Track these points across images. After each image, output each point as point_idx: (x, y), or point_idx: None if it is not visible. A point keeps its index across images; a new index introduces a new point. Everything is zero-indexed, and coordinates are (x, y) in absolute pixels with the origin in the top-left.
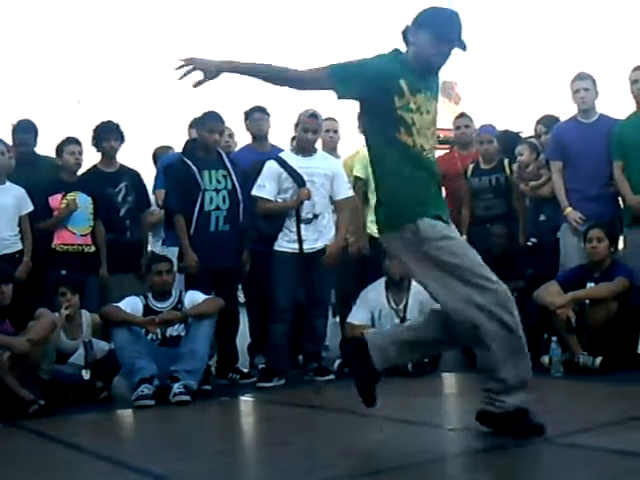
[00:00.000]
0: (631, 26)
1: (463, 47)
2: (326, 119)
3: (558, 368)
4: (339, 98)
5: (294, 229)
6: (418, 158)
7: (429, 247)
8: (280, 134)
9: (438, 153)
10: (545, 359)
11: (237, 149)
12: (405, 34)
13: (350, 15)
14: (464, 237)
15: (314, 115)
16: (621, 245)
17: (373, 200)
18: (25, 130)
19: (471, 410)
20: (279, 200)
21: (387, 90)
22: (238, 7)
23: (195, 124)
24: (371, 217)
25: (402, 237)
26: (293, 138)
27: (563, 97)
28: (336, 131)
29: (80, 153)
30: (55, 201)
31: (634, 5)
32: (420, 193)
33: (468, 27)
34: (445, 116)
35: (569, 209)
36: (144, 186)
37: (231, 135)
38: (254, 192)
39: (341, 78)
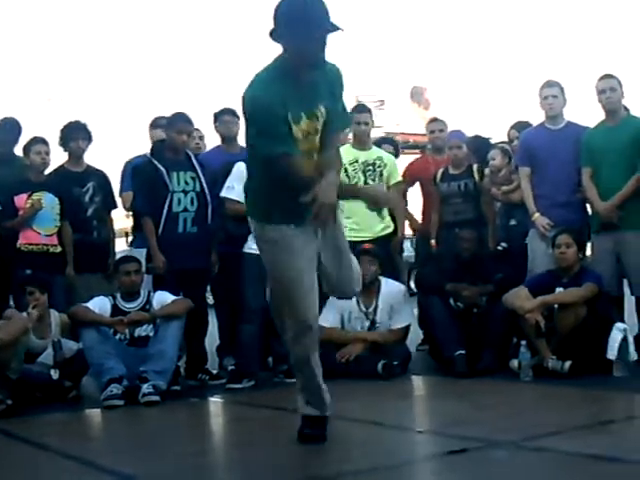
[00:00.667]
0: (599, 34)
1: (335, 28)
2: None
3: (527, 372)
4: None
5: None
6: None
7: (258, 243)
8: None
9: (410, 158)
10: (514, 363)
11: (206, 150)
12: (274, 37)
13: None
14: (433, 241)
15: None
16: (589, 251)
17: (341, 203)
18: (6, 130)
19: (440, 412)
20: None
21: (285, 120)
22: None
23: (157, 124)
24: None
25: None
26: None
27: (533, 103)
28: None
29: (47, 153)
30: (21, 200)
31: (603, 13)
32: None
33: (441, 34)
34: (415, 121)
35: (537, 215)
36: (111, 187)
37: (201, 137)
38: (223, 193)
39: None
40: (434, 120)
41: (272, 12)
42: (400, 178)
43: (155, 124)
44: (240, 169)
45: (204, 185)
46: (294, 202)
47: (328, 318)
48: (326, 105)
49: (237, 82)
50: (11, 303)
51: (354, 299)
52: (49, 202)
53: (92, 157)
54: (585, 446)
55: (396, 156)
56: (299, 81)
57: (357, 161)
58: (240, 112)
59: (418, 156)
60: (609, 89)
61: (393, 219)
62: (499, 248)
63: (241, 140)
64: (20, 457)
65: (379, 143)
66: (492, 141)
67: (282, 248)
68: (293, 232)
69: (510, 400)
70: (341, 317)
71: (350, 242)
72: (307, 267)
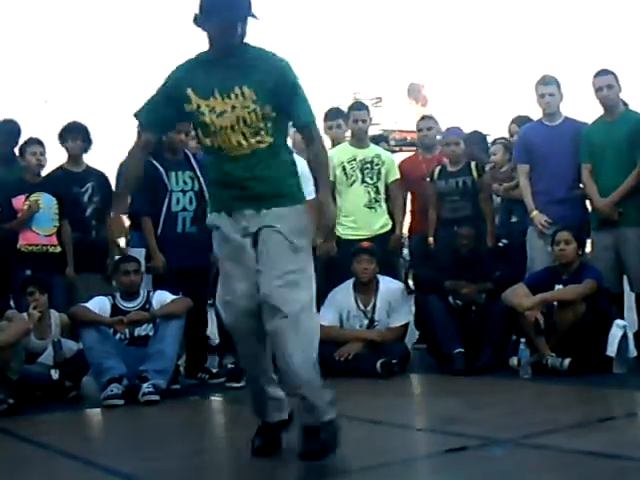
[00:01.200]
0: (595, 26)
1: (249, 15)
2: None
3: (527, 370)
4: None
5: None
6: (213, 157)
7: None
8: None
9: (403, 155)
10: (514, 361)
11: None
12: (198, 25)
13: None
14: (430, 239)
15: None
16: (589, 248)
17: (340, 202)
18: (5, 131)
19: (439, 410)
20: None
21: (179, 101)
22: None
23: None
24: (337, 218)
25: None
26: None
27: (532, 97)
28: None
29: (42, 154)
30: (18, 202)
31: (599, 9)
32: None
33: (439, 31)
34: (413, 118)
35: (535, 212)
36: (110, 187)
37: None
38: None
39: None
40: (423, 118)
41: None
42: (398, 175)
43: None
44: None
45: (203, 184)
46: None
47: (327, 317)
48: (251, 88)
49: None
50: (11, 304)
51: (352, 297)
52: (47, 203)
53: (91, 158)
54: (584, 443)
55: (391, 153)
56: (217, 64)
57: (355, 159)
58: None
59: (410, 154)
60: (606, 86)
61: (391, 217)
62: (500, 245)
63: None
64: (21, 456)
65: (376, 141)
66: (490, 138)
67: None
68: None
69: (509, 398)
70: (339, 316)
71: (348, 240)
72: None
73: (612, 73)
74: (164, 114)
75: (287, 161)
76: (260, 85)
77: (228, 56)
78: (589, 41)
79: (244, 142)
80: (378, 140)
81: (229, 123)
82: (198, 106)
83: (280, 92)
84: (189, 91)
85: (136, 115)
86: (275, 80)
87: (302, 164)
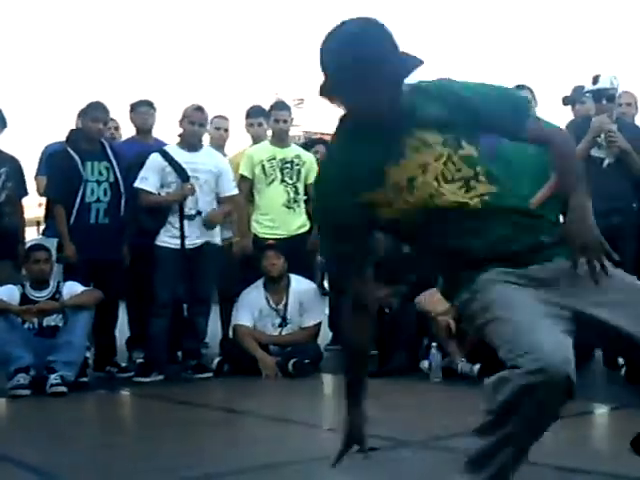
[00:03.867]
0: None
1: (413, 63)
2: (217, 117)
3: (437, 374)
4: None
5: (177, 225)
6: None
7: None
8: (164, 130)
9: None
10: (425, 364)
11: (121, 141)
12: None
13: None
14: None
15: (200, 108)
16: None
17: (258, 200)
18: None
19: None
20: (162, 194)
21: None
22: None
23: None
24: (255, 217)
25: None
26: (179, 135)
27: None
28: (226, 130)
29: None
30: None
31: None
32: None
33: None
34: (333, 121)
35: None
36: (23, 174)
37: (117, 127)
38: (137, 184)
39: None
40: None
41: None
42: None
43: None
44: (155, 160)
45: (118, 176)
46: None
47: (242, 317)
48: (430, 126)
49: (153, 73)
50: None
51: (263, 296)
52: None
53: (7, 143)
54: None
55: None
56: (378, 133)
57: (275, 158)
58: (156, 103)
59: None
60: None
61: (309, 218)
62: None
63: (156, 132)
64: None
65: (311, 145)
66: None
67: None
68: None
69: (419, 401)
70: (252, 315)
71: (265, 239)
72: None
73: (529, 88)
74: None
75: None
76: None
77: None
78: (562, 51)
79: None
80: (317, 143)
81: (434, 176)
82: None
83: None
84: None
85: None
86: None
87: (223, 160)
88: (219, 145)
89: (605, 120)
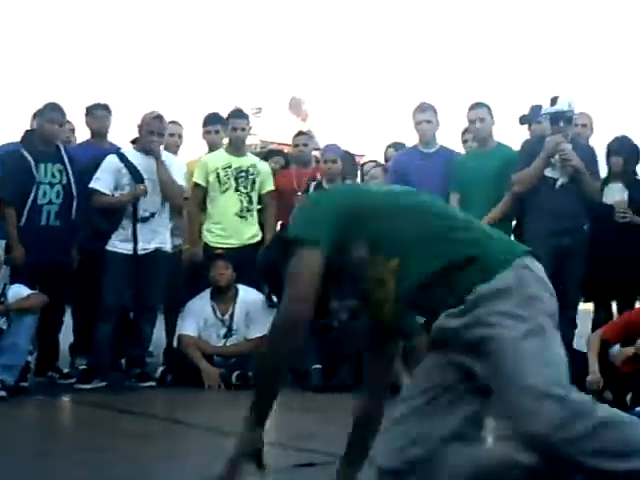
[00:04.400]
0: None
1: None
2: (170, 122)
3: None
4: None
5: (130, 228)
6: None
7: None
8: (119, 133)
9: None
10: None
11: (76, 144)
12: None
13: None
14: None
15: (159, 117)
16: None
17: (211, 208)
18: None
19: (290, 425)
20: (116, 195)
21: None
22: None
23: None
24: (207, 225)
25: None
26: (133, 141)
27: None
28: (180, 135)
29: None
30: None
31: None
32: None
33: (322, 46)
34: (292, 132)
35: None
36: None
37: (72, 130)
38: (91, 184)
39: None
40: (299, 134)
41: None
42: (273, 187)
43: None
44: (111, 161)
45: (71, 178)
46: None
47: (187, 327)
48: None
49: (109, 76)
50: None
51: (210, 306)
52: None
53: None
54: None
55: (287, 168)
56: None
57: (230, 166)
58: (112, 107)
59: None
60: (478, 119)
61: (262, 227)
62: None
63: (111, 135)
64: None
65: (270, 155)
66: (365, 158)
67: None
68: None
69: None
70: (198, 324)
71: (215, 248)
72: None
73: (486, 106)
74: None
75: None
76: None
77: None
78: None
79: None
80: (274, 155)
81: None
82: None
83: None
84: None
85: None
86: None
87: (178, 165)
88: (172, 152)
89: (560, 139)
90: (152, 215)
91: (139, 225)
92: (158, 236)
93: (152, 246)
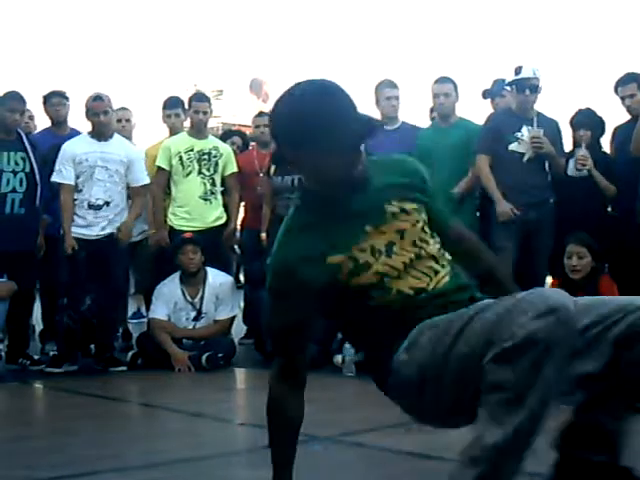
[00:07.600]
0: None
1: (368, 125)
2: (119, 109)
3: (350, 368)
4: None
5: (83, 214)
6: None
7: None
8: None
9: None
10: (338, 358)
11: (36, 132)
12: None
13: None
14: (263, 235)
15: (99, 97)
16: None
17: (175, 192)
18: None
19: (262, 406)
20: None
21: None
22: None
23: None
24: (171, 209)
25: None
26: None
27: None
28: (128, 120)
29: None
30: None
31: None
32: None
33: (283, 27)
34: (253, 113)
35: None
36: None
37: (31, 117)
38: (53, 178)
39: None
40: (260, 114)
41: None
42: (236, 169)
43: None
44: (67, 150)
45: (34, 166)
46: None
47: (158, 310)
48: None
49: (68, 63)
50: None
51: (179, 289)
52: None
53: None
54: (401, 443)
55: (245, 148)
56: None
57: (192, 149)
58: (69, 93)
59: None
60: (443, 94)
61: (226, 210)
62: None
63: (70, 122)
64: None
65: (228, 136)
66: None
67: None
68: None
69: (331, 395)
70: (168, 307)
71: (181, 231)
72: None
73: (452, 82)
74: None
75: None
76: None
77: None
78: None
79: None
80: (231, 135)
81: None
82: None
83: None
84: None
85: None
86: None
87: (134, 150)
88: (125, 137)
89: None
90: (106, 204)
91: (92, 211)
92: (113, 222)
93: (105, 232)
